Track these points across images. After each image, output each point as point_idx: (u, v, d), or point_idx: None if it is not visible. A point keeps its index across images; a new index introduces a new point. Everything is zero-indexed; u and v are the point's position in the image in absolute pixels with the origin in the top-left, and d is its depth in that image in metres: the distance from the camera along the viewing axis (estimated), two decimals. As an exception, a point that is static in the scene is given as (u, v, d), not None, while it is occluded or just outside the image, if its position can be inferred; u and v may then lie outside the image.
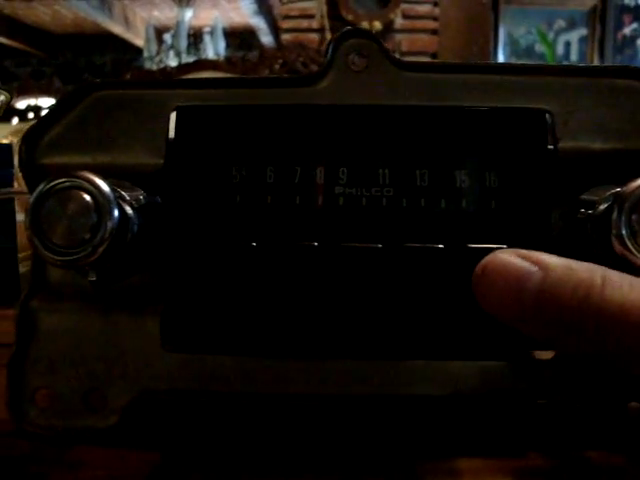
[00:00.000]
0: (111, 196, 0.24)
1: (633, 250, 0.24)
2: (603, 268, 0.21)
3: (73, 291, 0.29)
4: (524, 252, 0.22)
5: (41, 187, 0.25)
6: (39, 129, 0.30)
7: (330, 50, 0.29)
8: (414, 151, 0.28)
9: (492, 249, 0.24)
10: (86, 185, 0.24)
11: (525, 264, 0.22)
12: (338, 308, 0.27)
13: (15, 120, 2.28)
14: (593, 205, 0.26)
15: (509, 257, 0.22)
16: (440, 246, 0.27)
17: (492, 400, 0.28)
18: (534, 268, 0.22)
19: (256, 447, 0.28)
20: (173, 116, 0.29)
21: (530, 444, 0.28)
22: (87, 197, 0.24)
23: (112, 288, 0.29)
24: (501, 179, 0.28)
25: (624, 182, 0.25)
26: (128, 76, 2.08)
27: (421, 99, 0.29)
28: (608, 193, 0.25)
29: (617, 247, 0.24)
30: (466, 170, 0.28)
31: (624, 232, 0.24)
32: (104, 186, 0.24)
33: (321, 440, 0.29)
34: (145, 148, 0.29)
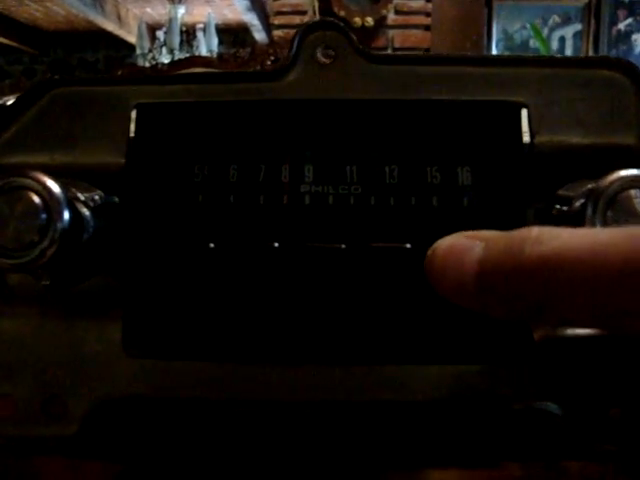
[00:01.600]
0: (61, 196, 0.23)
1: None
2: (547, 227, 0.20)
3: (32, 294, 0.28)
4: (470, 232, 0.22)
5: None
6: None
7: (296, 43, 0.28)
8: (383, 147, 0.27)
9: None
10: (34, 185, 0.23)
11: (468, 241, 0.21)
12: (302, 311, 0.26)
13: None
14: (569, 201, 0.25)
15: (455, 238, 0.22)
16: (408, 246, 0.26)
17: (466, 405, 0.27)
18: (476, 242, 0.21)
19: (220, 455, 0.27)
20: (134, 114, 0.28)
21: (505, 453, 0.27)
22: (35, 198, 0.23)
23: (71, 291, 0.28)
24: (474, 175, 0.27)
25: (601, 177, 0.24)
26: (120, 73, 2.07)
27: (391, 93, 0.28)
28: (583, 189, 0.24)
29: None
30: (438, 166, 0.27)
31: (599, 227, 0.23)
32: (54, 186, 0.23)
33: (287, 448, 0.28)
34: (106, 147, 0.28)
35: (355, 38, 0.28)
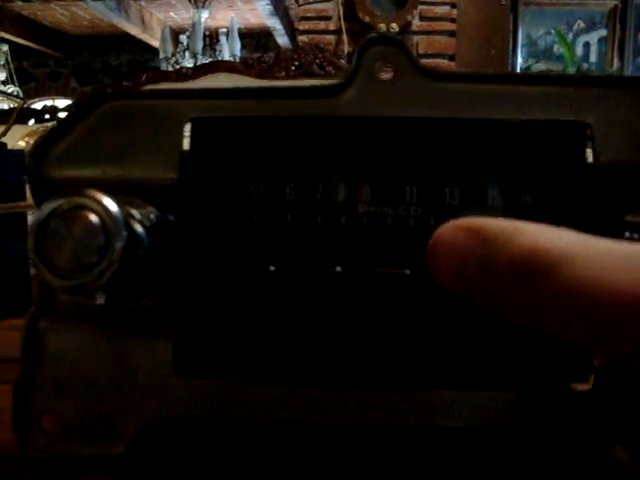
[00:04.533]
0: (119, 216, 0.23)
1: None
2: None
3: (83, 312, 0.28)
4: (470, 225, 0.21)
5: (45, 206, 0.23)
6: (48, 141, 0.29)
7: (355, 58, 0.27)
8: (444, 167, 0.26)
9: None
10: (93, 205, 0.22)
11: (469, 241, 0.20)
12: (362, 336, 0.26)
13: (31, 122, 2.29)
14: (638, 227, 0.24)
15: (455, 233, 0.21)
16: None
17: (522, 434, 0.26)
18: (476, 242, 0.20)
19: (268, 477, 0.27)
20: (188, 128, 0.27)
21: None
22: (94, 217, 0.22)
23: (123, 310, 0.27)
24: (536, 197, 0.26)
25: None
26: (143, 77, 2.08)
27: (451, 111, 0.27)
28: None
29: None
30: (499, 188, 0.26)
31: None
32: (112, 206, 0.23)
33: (338, 471, 0.27)
34: (158, 161, 0.28)
35: (414, 54, 0.27)
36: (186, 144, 0.27)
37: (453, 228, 0.21)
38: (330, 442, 0.28)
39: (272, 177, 0.26)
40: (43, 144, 0.29)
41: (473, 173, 0.26)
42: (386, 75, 0.27)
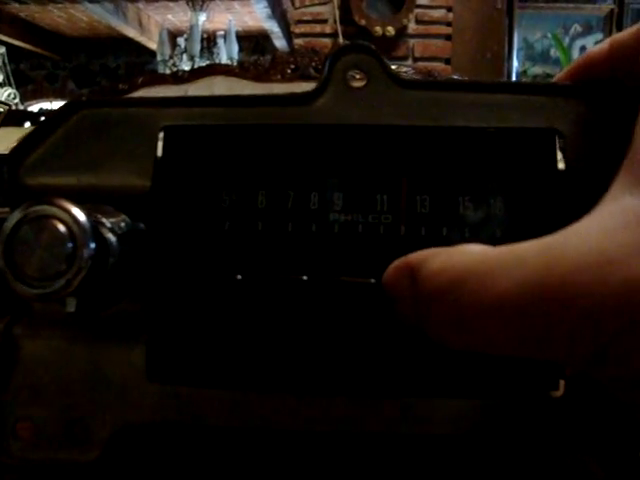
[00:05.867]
0: (87, 225, 0.23)
1: None
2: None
3: (58, 318, 0.28)
4: (400, 263, 0.23)
5: (14, 215, 0.23)
6: (24, 148, 0.29)
7: (327, 66, 0.28)
8: (414, 175, 0.26)
9: None
10: (61, 214, 0.23)
11: (405, 280, 0.22)
12: (328, 344, 0.26)
13: (27, 124, 2.29)
14: None
15: (392, 274, 0.23)
16: None
17: (492, 441, 0.26)
18: (409, 278, 0.22)
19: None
20: (161, 136, 0.27)
21: None
22: (61, 226, 0.22)
23: (97, 317, 0.27)
24: (507, 204, 0.26)
25: None
26: (140, 80, 2.08)
27: (423, 119, 0.27)
28: None
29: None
30: (470, 195, 0.26)
31: None
32: (80, 215, 0.23)
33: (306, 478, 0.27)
34: (132, 169, 0.28)
35: (388, 63, 0.27)
36: (160, 152, 0.27)
37: (391, 269, 0.23)
38: (300, 448, 0.28)
39: (244, 185, 0.26)
40: (19, 151, 0.29)
41: (444, 181, 0.26)
42: (358, 83, 0.27)
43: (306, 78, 2.13)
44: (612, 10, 3.32)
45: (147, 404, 0.27)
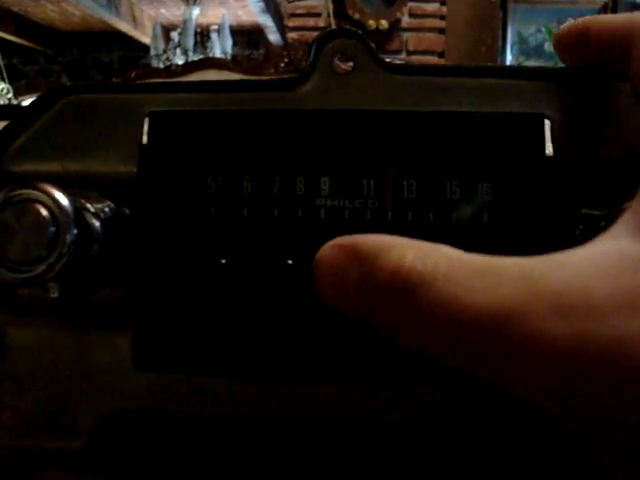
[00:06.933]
0: (70, 210, 0.22)
1: None
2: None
3: (41, 305, 0.28)
4: (344, 243, 0.21)
5: None
6: (8, 135, 0.28)
7: (313, 51, 0.27)
8: (401, 160, 0.26)
9: None
10: (43, 197, 0.22)
11: (346, 262, 0.21)
12: (315, 329, 0.26)
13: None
14: (594, 221, 0.24)
15: (333, 257, 0.21)
16: None
17: (474, 427, 0.26)
18: (353, 263, 0.20)
19: (226, 471, 0.27)
20: (146, 122, 0.27)
21: None
22: (44, 211, 0.22)
23: (80, 303, 0.27)
24: (495, 190, 0.26)
25: (629, 193, 0.23)
26: (133, 74, 2.08)
27: (410, 104, 0.27)
28: (610, 209, 0.23)
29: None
30: (457, 181, 0.26)
31: None
32: (63, 199, 0.23)
33: (292, 464, 0.27)
34: (118, 155, 0.28)
35: (374, 47, 0.27)
36: (145, 138, 0.27)
37: (331, 248, 0.21)
38: (288, 435, 0.28)
39: (230, 170, 0.26)
40: (3, 138, 0.28)
41: (431, 166, 0.26)
42: (344, 68, 0.27)
43: (299, 72, 2.13)
44: (606, 4, 3.32)
45: (133, 392, 0.27)
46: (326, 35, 0.27)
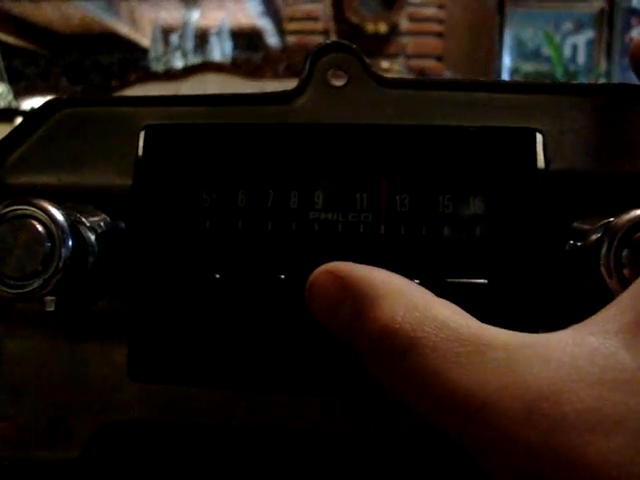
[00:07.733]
0: (65, 225, 0.23)
1: (622, 284, 0.22)
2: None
3: (39, 317, 0.28)
4: (339, 272, 0.22)
5: None
6: (5, 147, 0.29)
7: (307, 65, 0.28)
8: (394, 174, 0.26)
9: (473, 285, 0.22)
10: (38, 214, 0.23)
11: (340, 293, 0.22)
12: (308, 343, 0.26)
13: (19, 120, 2.27)
14: (584, 236, 0.24)
15: (326, 280, 0.22)
16: (416, 281, 0.25)
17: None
18: (347, 296, 0.21)
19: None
20: (142, 135, 0.28)
21: None
22: (39, 227, 0.23)
23: (76, 316, 0.27)
24: (487, 204, 0.26)
25: (619, 208, 0.23)
26: (132, 77, 2.07)
27: (404, 118, 0.27)
28: (600, 224, 0.24)
29: (607, 281, 0.22)
30: (450, 194, 0.26)
31: (613, 266, 0.22)
32: (58, 215, 0.23)
33: (287, 475, 0.27)
34: (114, 168, 0.28)
35: (368, 61, 0.27)
36: (141, 151, 0.28)
37: (325, 274, 0.22)
38: (280, 446, 0.28)
39: (224, 184, 0.26)
40: (0, 150, 0.29)
41: (424, 180, 0.26)
42: (339, 82, 0.27)
43: (298, 75, 2.14)
44: (603, 8, 3.32)
45: (129, 403, 0.27)
46: (321, 49, 0.28)
